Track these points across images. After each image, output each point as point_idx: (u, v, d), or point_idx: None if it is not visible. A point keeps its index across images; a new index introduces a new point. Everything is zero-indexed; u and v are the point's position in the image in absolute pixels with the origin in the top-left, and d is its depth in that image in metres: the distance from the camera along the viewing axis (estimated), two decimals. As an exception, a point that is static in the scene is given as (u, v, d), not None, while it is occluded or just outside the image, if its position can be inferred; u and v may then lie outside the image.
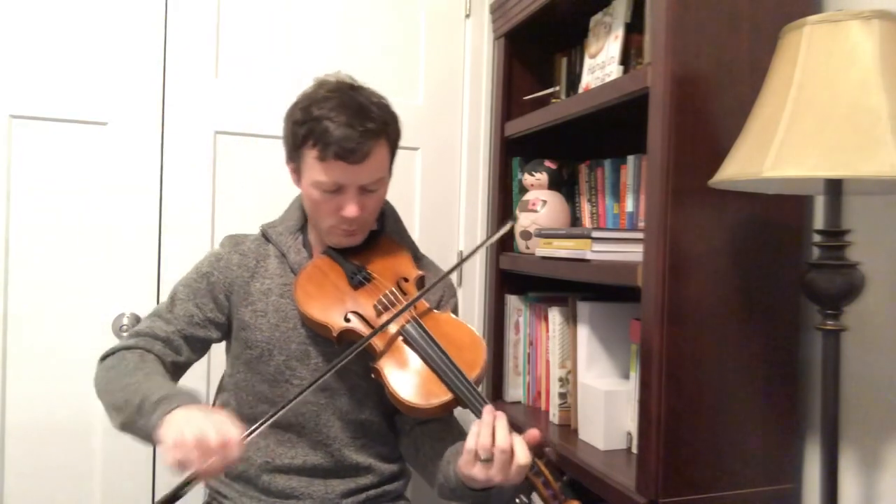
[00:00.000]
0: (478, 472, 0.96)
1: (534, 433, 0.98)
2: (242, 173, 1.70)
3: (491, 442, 0.94)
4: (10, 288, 1.53)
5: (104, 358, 1.16)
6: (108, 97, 1.58)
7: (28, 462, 1.54)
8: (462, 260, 1.21)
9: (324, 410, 1.19)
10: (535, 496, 0.99)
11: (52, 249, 1.56)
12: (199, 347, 1.22)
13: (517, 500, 0.98)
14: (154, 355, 1.14)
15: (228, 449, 0.88)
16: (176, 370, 1.19)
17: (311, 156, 1.12)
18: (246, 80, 1.69)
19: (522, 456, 0.94)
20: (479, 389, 1.07)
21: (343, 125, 1.09)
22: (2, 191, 1.52)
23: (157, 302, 1.61)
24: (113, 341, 1.57)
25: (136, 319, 1.59)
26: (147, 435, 0.96)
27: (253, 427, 0.97)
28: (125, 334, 1.57)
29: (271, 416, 0.99)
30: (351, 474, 1.22)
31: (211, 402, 1.49)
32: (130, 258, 1.61)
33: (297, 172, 1.20)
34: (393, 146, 1.20)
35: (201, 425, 0.88)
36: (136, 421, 0.98)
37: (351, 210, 1.14)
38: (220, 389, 1.31)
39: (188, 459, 0.87)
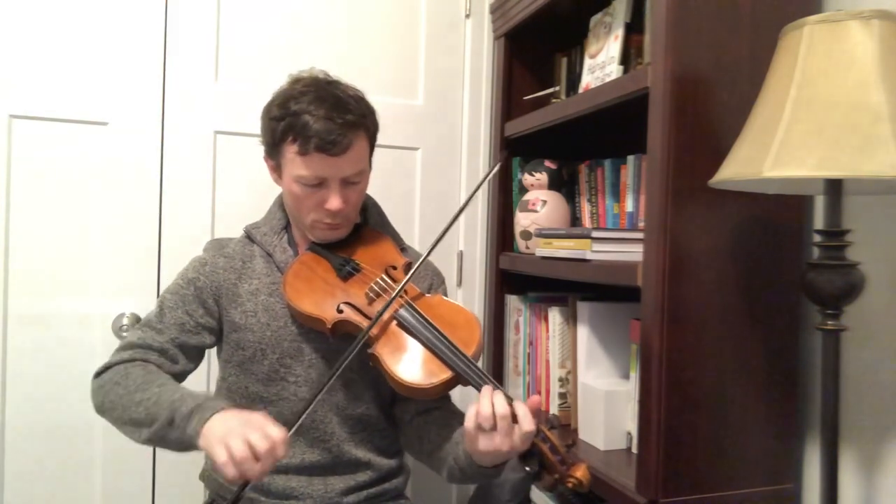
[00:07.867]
0: (483, 443, 0.97)
1: (535, 399, 0.99)
2: (242, 173, 1.69)
3: (491, 411, 0.96)
4: (10, 288, 1.53)
5: (99, 374, 1.15)
6: (108, 97, 1.58)
7: (28, 462, 1.54)
8: (446, 229, 1.17)
9: (320, 407, 1.19)
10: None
11: (52, 249, 1.56)
12: (195, 355, 1.22)
13: (526, 469, 0.98)
14: (154, 366, 1.15)
15: (277, 450, 0.92)
16: (175, 380, 1.19)
17: (291, 151, 1.13)
18: (246, 79, 1.69)
19: (527, 422, 0.96)
20: (479, 366, 1.08)
21: (322, 118, 1.10)
22: (2, 191, 1.52)
23: (157, 302, 1.61)
24: (113, 341, 1.58)
25: (137, 319, 1.59)
26: (183, 446, 1.00)
27: (294, 422, 1.00)
28: (124, 335, 1.57)
29: (307, 408, 1.02)
30: (350, 470, 1.22)
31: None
32: (130, 258, 1.61)
33: (276, 170, 1.20)
34: (371, 139, 1.20)
35: (245, 434, 0.91)
36: (168, 434, 1.01)
37: (334, 203, 1.14)
38: (216, 393, 1.31)
39: (244, 472, 0.90)
